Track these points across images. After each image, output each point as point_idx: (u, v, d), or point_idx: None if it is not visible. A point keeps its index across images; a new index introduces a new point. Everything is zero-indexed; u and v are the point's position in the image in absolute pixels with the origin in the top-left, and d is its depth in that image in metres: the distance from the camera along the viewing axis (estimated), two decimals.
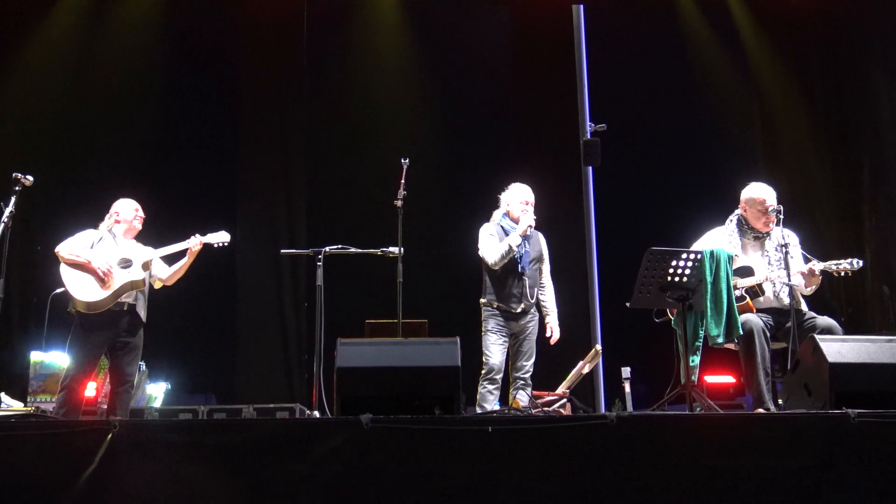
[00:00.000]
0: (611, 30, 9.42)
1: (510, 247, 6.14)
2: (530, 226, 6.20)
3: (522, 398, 6.06)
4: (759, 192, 5.85)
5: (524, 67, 9.68)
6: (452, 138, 9.31)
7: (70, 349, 6.03)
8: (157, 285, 6.34)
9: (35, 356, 7.74)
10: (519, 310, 6.17)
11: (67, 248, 6.05)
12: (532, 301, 6.21)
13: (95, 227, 6.33)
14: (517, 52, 9.72)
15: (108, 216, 6.33)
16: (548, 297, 6.35)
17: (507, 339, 6.16)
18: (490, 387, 6.02)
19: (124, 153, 9.17)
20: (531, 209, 6.29)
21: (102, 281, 5.95)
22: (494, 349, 6.10)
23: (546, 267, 6.39)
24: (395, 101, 9.63)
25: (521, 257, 6.18)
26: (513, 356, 6.20)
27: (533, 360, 6.18)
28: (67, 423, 4.41)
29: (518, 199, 6.36)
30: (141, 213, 6.35)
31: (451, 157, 9.03)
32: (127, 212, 6.30)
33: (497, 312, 6.18)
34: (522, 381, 6.13)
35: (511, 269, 6.16)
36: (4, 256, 5.73)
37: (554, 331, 6.30)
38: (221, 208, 9.04)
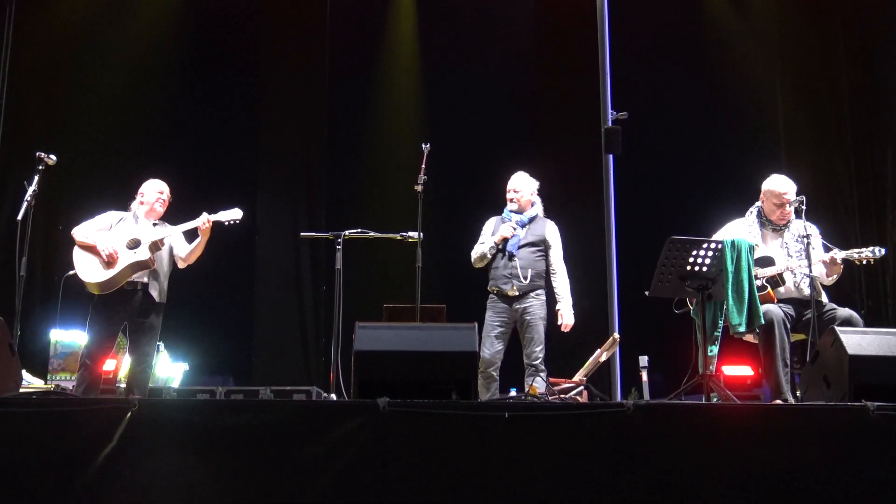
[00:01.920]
0: (634, 17, 9.35)
1: (484, 254, 6.39)
2: (504, 237, 6.35)
3: (539, 384, 6.08)
4: (777, 185, 5.80)
5: (546, 54, 9.64)
6: (473, 124, 9.28)
7: (88, 328, 6.11)
8: (181, 265, 6.37)
9: (55, 335, 7.82)
10: (513, 292, 6.25)
11: (81, 231, 6.10)
12: (526, 283, 6.26)
13: (120, 207, 6.38)
14: (540, 38, 9.68)
15: (137, 195, 6.37)
16: (559, 283, 6.40)
17: (504, 329, 6.25)
18: (483, 380, 6.09)
19: (147, 135, 9.20)
20: (522, 197, 6.50)
21: (107, 262, 5.98)
22: (486, 341, 6.20)
23: (555, 253, 6.46)
24: (416, 85, 9.63)
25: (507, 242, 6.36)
26: (523, 344, 6.26)
27: (542, 346, 6.21)
28: (87, 401, 4.44)
29: (508, 188, 6.58)
30: (165, 196, 6.35)
31: (472, 143, 9.00)
32: (150, 193, 6.33)
33: (496, 298, 6.34)
34: (533, 368, 6.17)
35: (501, 251, 6.35)
36: (28, 235, 5.79)
37: (565, 317, 6.34)
38: (242, 191, 9.06)
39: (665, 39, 9.33)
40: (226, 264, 8.53)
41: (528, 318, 6.25)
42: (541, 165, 9.38)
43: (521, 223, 6.43)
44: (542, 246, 6.42)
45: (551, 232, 6.50)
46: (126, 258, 6.00)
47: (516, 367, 6.33)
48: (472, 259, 6.48)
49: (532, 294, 6.29)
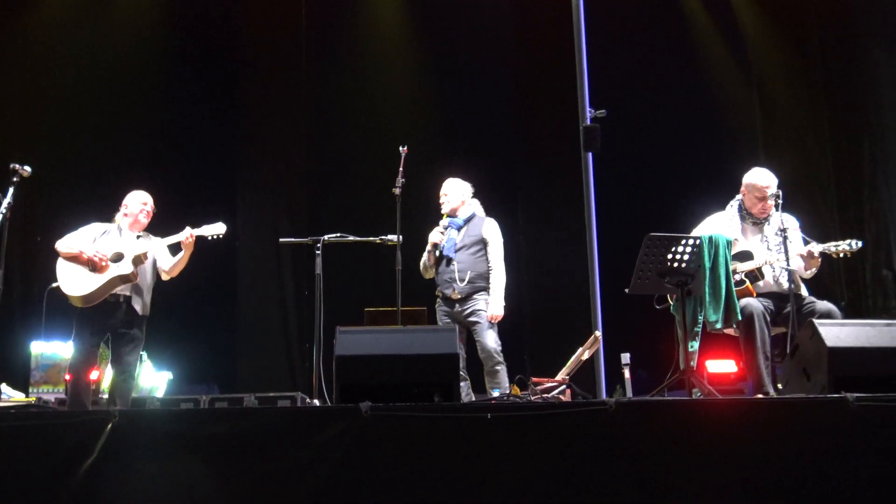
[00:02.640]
0: (611, 15, 9.38)
1: (424, 264, 6.47)
2: (434, 243, 6.37)
3: (491, 383, 6.16)
4: (759, 179, 5.82)
5: (524, 53, 9.65)
6: (451, 125, 9.29)
7: (74, 340, 6.11)
8: (165, 277, 6.36)
9: (36, 347, 7.77)
10: (455, 296, 6.28)
11: (65, 243, 6.09)
12: (465, 285, 6.26)
13: (98, 216, 6.36)
14: (517, 37, 9.70)
15: (121, 207, 6.35)
16: (493, 278, 6.36)
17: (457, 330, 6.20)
18: None
19: (124, 143, 9.17)
20: (451, 201, 6.49)
21: (94, 270, 5.96)
22: None
23: (493, 249, 6.41)
24: (394, 88, 9.62)
25: (443, 247, 6.37)
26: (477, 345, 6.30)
27: (494, 343, 6.21)
28: (66, 414, 4.44)
29: (440, 193, 6.62)
30: (149, 208, 6.33)
31: (450, 145, 9.01)
32: (134, 205, 6.32)
33: (441, 302, 6.39)
34: (488, 366, 6.21)
35: (440, 257, 6.38)
36: (3, 248, 5.74)
37: (491, 307, 6.28)
38: (222, 197, 9.05)
39: (642, 36, 9.37)
40: (208, 272, 8.47)
41: (473, 318, 6.26)
42: (520, 164, 9.47)
43: (455, 226, 6.44)
44: (481, 245, 6.40)
45: (488, 230, 6.47)
46: (109, 271, 5.99)
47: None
48: (421, 272, 6.54)
49: (475, 295, 6.30)
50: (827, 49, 9.14)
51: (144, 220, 6.32)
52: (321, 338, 5.60)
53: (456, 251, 6.35)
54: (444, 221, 6.47)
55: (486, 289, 6.32)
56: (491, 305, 6.29)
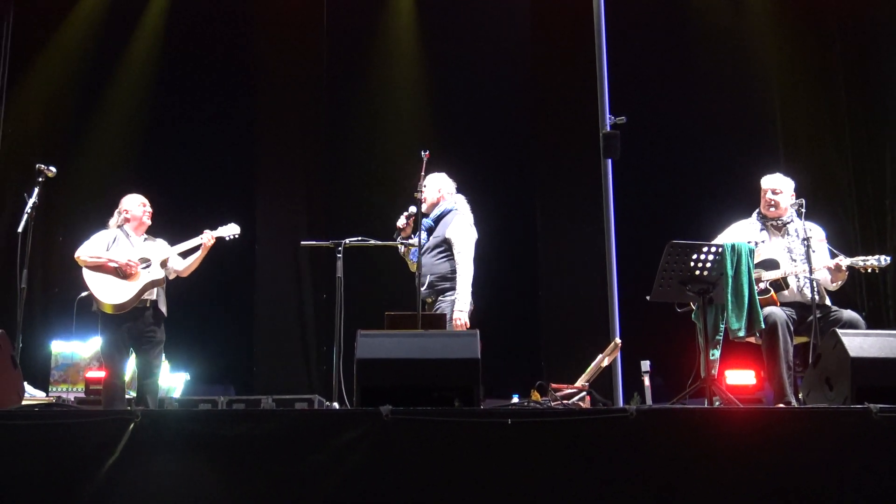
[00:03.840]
0: (631, 21, 9.36)
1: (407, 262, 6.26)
2: (399, 228, 6.18)
3: None
4: (764, 179, 5.96)
5: (544, 59, 9.63)
6: (472, 130, 9.29)
7: (103, 342, 6.23)
8: (172, 276, 6.45)
9: (56, 346, 7.82)
10: (427, 299, 6.10)
11: (87, 252, 6.18)
12: (425, 290, 6.05)
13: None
14: (537, 43, 9.68)
15: (117, 213, 6.44)
16: (457, 279, 6.08)
17: None
18: None
19: (143, 145, 9.23)
20: (427, 197, 6.23)
21: (126, 278, 6.05)
22: None
23: (456, 249, 6.11)
24: (414, 91, 9.62)
25: (412, 252, 6.17)
26: None
27: None
28: (90, 413, 4.44)
29: None
30: (148, 208, 6.46)
31: (471, 150, 9.01)
32: (135, 208, 6.42)
33: (424, 307, 6.12)
34: None
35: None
36: (28, 248, 5.79)
37: (454, 311, 6.00)
38: (241, 200, 9.08)
39: (662, 43, 9.32)
40: (226, 274, 8.52)
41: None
42: (539, 170, 9.45)
43: (425, 227, 6.18)
44: (445, 246, 6.15)
45: (453, 228, 6.18)
46: (141, 278, 6.14)
47: (516, 372, 6.32)
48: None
49: (439, 298, 6.09)
50: (848, 55, 9.08)
51: (148, 221, 6.47)
52: (341, 341, 5.60)
53: (421, 254, 6.10)
54: (412, 208, 6.17)
55: (451, 289, 6.07)
56: (454, 305, 6.00)
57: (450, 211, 6.29)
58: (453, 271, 6.11)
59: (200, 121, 9.36)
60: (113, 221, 6.42)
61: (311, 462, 3.93)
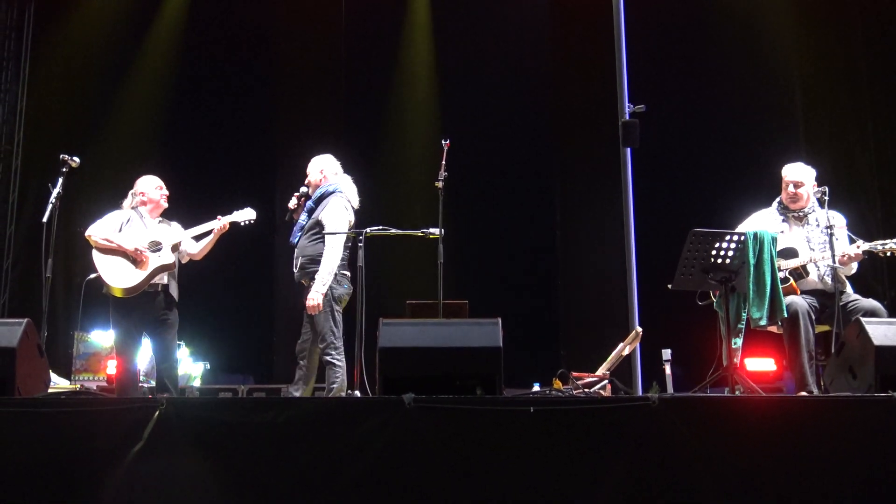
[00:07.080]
0: (650, 9, 9.32)
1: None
2: (289, 208, 6.14)
3: (335, 380, 5.76)
4: (784, 169, 5.92)
5: (562, 48, 9.62)
6: (491, 119, 9.28)
7: (114, 330, 6.18)
8: (185, 260, 6.43)
9: (78, 335, 7.89)
10: (301, 281, 6.01)
11: (99, 232, 6.11)
12: (297, 271, 5.98)
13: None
14: (555, 32, 9.67)
15: (131, 194, 6.37)
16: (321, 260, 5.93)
17: (309, 319, 5.92)
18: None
19: (164, 135, 9.28)
20: (311, 180, 6.21)
21: (135, 262, 6.02)
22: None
23: (327, 229, 5.99)
24: (433, 81, 9.63)
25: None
26: None
27: (328, 333, 5.81)
28: (116, 401, 4.49)
29: None
30: (165, 191, 6.40)
31: (491, 138, 9.00)
32: (152, 191, 6.35)
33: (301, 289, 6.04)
34: (326, 360, 5.82)
35: None
36: (53, 237, 5.83)
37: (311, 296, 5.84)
38: (261, 187, 9.11)
39: (681, 31, 9.30)
40: (245, 263, 8.57)
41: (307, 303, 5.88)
42: (558, 159, 9.44)
43: (307, 208, 6.12)
44: (317, 229, 6.03)
45: (326, 211, 6.05)
46: (153, 261, 6.06)
47: (539, 363, 6.32)
48: None
49: (310, 281, 5.91)
50: (870, 42, 9.00)
51: (165, 204, 6.39)
52: (363, 330, 5.61)
53: (299, 236, 6.03)
54: (303, 188, 6.15)
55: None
56: (313, 293, 5.80)
57: (331, 193, 6.15)
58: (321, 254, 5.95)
59: (223, 112, 9.40)
60: (127, 203, 6.34)
61: (333, 450, 3.96)
